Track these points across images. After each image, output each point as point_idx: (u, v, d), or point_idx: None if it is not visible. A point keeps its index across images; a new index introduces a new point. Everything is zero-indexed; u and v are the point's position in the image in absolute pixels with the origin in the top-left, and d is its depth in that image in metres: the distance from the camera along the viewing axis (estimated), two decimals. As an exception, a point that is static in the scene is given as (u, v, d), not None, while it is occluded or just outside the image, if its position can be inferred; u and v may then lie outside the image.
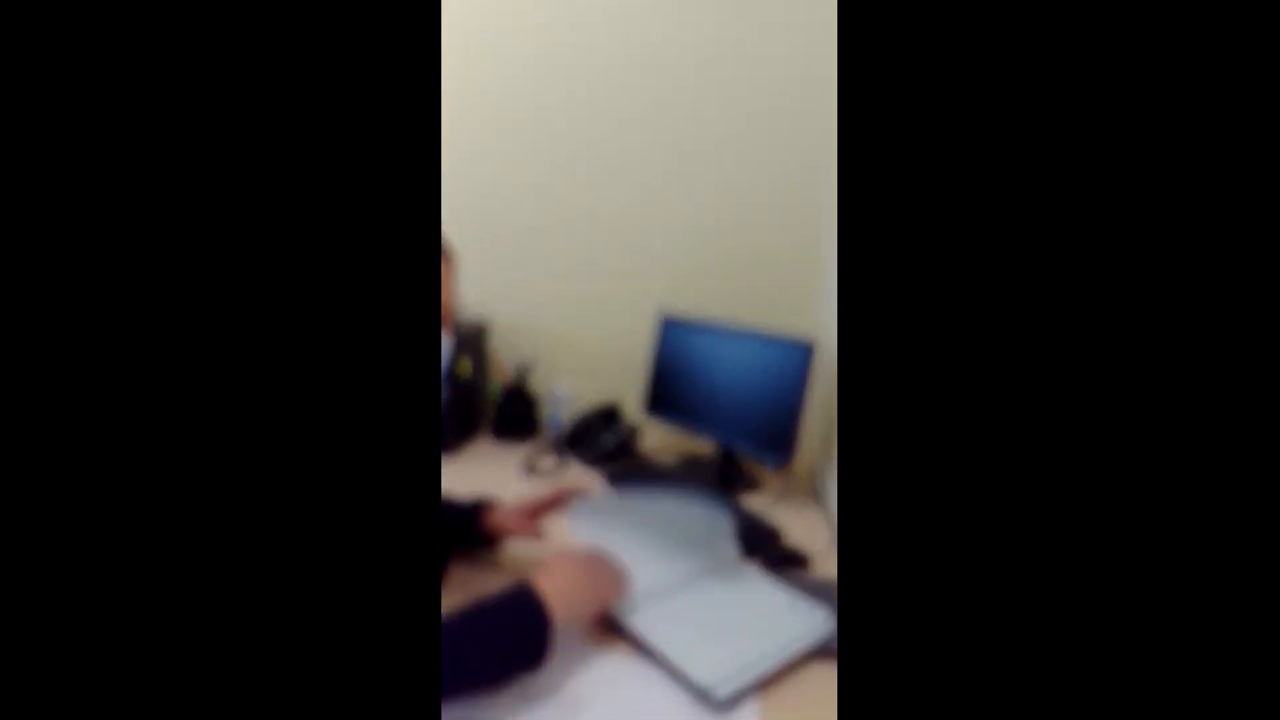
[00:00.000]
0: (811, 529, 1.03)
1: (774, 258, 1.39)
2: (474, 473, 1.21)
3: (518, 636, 0.61)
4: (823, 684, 0.65)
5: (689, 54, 1.34)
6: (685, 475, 1.20)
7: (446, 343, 0.74)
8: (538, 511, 0.87)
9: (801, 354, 1.11)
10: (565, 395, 1.37)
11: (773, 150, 1.35)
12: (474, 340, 1.38)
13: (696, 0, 1.32)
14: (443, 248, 0.71)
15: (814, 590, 0.79)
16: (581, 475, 1.21)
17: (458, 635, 0.58)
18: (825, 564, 0.92)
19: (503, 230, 1.43)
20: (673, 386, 1.32)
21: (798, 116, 1.33)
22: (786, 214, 1.37)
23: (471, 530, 0.85)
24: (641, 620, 0.71)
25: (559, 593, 0.64)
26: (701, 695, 0.61)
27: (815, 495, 1.21)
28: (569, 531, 0.87)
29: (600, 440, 1.28)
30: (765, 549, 0.92)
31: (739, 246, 1.40)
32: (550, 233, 1.43)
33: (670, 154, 1.38)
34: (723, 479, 1.19)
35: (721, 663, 0.64)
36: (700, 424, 1.26)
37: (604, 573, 0.71)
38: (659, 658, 0.66)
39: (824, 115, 1.32)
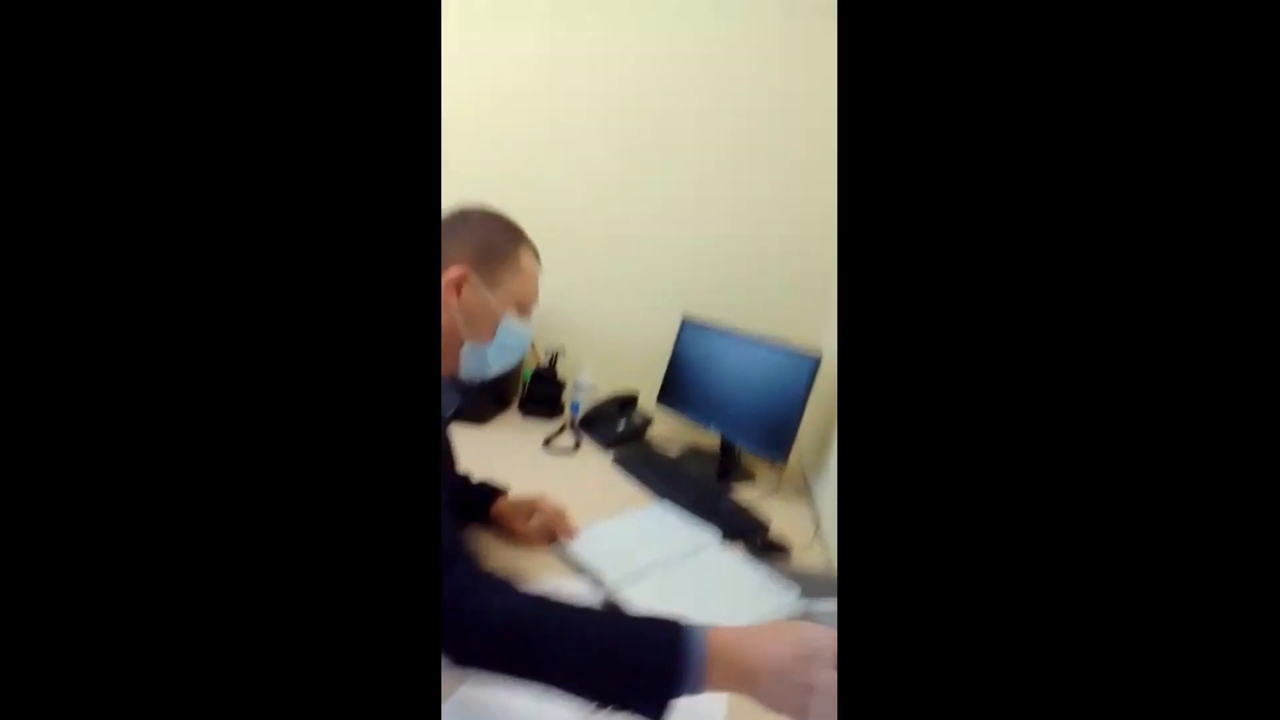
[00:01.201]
0: (798, 522, 1.13)
1: (789, 276, 1.51)
2: (498, 444, 1.33)
3: (649, 667, 0.51)
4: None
5: (718, 77, 1.45)
6: (687, 465, 1.30)
7: (526, 327, 0.81)
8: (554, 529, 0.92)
9: (807, 365, 1.20)
10: (588, 383, 1.49)
11: (792, 177, 1.47)
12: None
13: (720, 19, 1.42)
14: (534, 251, 0.81)
15: (791, 576, 0.89)
16: (594, 455, 1.33)
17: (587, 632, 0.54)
18: (806, 555, 1.02)
19: (545, 231, 1.54)
20: (686, 381, 1.43)
21: (818, 147, 1.43)
22: (802, 235, 1.49)
23: (479, 511, 0.95)
24: (632, 593, 0.82)
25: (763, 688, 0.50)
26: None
27: (806, 491, 1.30)
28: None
29: (615, 425, 1.40)
30: (750, 536, 1.02)
31: (758, 263, 1.52)
32: (587, 235, 1.55)
33: (696, 175, 1.50)
34: (722, 470, 1.30)
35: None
36: (707, 417, 1.37)
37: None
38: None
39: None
